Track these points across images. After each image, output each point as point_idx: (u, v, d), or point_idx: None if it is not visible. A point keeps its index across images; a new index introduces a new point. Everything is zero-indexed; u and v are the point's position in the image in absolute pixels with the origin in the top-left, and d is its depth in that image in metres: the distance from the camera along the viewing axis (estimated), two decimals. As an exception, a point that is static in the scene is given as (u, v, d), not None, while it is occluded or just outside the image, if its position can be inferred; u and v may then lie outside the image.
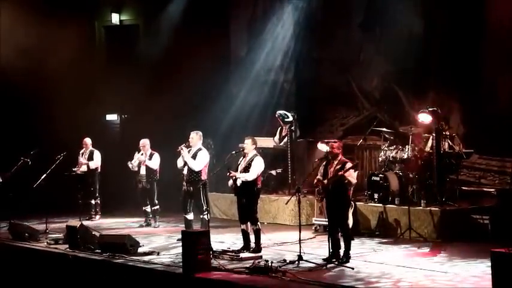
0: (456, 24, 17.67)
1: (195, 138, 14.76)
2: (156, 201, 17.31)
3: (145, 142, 17.32)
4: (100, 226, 17.31)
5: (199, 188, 14.38)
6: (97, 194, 18.75)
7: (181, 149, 14.63)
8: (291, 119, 17.75)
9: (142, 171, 17.23)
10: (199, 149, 14.68)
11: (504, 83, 16.86)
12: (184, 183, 14.65)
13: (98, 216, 18.71)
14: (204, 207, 14.43)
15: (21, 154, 18.12)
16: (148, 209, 17.38)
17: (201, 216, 14.57)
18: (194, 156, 14.55)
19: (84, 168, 18.63)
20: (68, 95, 20.60)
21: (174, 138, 15.16)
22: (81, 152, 18.78)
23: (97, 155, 18.72)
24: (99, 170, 18.76)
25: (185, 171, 14.64)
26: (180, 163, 14.82)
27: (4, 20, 21.08)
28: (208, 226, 13.57)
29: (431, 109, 15.39)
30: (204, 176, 14.50)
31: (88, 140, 18.84)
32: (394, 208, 15.10)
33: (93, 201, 18.68)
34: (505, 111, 16.60)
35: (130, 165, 17.29)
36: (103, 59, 23.11)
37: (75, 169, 18.54)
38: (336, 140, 13.17)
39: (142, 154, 17.23)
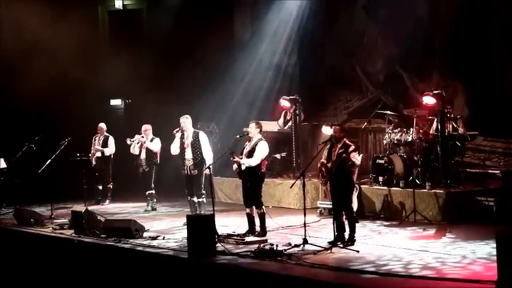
0: (461, 6, 17.60)
1: (187, 122, 14.94)
2: (153, 185, 17.31)
3: (147, 127, 17.34)
4: (105, 211, 17.33)
5: (202, 172, 14.57)
6: (110, 179, 18.80)
7: (177, 131, 14.79)
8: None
9: (143, 154, 17.27)
10: (197, 132, 14.87)
11: (509, 64, 16.79)
12: (186, 167, 14.75)
13: (107, 201, 18.76)
14: (203, 191, 14.60)
15: (26, 140, 18.17)
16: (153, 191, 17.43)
17: (199, 200, 14.72)
18: (197, 141, 14.67)
19: (98, 154, 18.67)
20: (71, 80, 20.59)
21: (178, 123, 15.14)
22: (94, 137, 18.80)
23: (111, 141, 18.77)
24: (112, 156, 18.81)
25: (188, 155, 14.73)
26: (174, 149, 14.95)
27: (7, 5, 21.03)
28: (203, 209, 13.94)
29: (435, 92, 15.35)
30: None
31: (103, 125, 18.88)
32: (398, 191, 15.11)
33: (100, 187, 18.72)
34: (510, 93, 16.56)
35: (128, 142, 17.26)
36: (107, 44, 23.08)
37: (90, 155, 18.58)
38: (338, 123, 13.16)
39: (143, 137, 17.24)
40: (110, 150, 18.73)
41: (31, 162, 17.67)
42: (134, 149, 17.31)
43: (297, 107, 17.73)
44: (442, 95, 15.39)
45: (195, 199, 14.87)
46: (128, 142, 17.29)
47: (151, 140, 17.24)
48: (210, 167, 14.05)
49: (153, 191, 17.37)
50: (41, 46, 19.96)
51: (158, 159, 17.28)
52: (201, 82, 20.69)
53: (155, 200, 17.47)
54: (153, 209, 17.41)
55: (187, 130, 14.91)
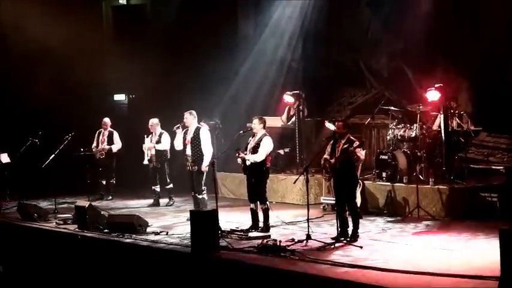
0: (464, 1, 17.57)
1: (190, 118, 14.94)
2: (169, 180, 17.41)
3: (153, 121, 17.34)
4: (109, 206, 17.36)
5: (201, 168, 14.65)
6: (113, 174, 18.80)
7: (178, 127, 14.82)
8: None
9: (153, 151, 17.27)
10: (198, 128, 14.86)
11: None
12: (188, 163, 14.78)
13: (110, 196, 18.74)
14: (203, 187, 14.64)
15: (30, 135, 18.20)
16: (157, 188, 17.49)
17: (200, 196, 14.74)
18: (197, 137, 14.68)
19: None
20: (75, 75, 20.59)
21: (182, 118, 15.16)
22: (98, 132, 18.73)
23: (117, 137, 18.72)
24: (117, 151, 18.82)
25: (188, 151, 14.76)
26: (176, 144, 14.99)
27: (10, 3, 21.02)
28: (206, 205, 14.03)
29: (437, 85, 15.32)
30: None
31: (107, 120, 18.80)
32: (402, 187, 15.10)
33: (104, 182, 18.71)
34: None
35: (146, 162, 17.44)
36: (110, 39, 23.07)
37: (98, 151, 18.53)
38: (342, 119, 13.15)
39: (150, 136, 17.23)
40: (117, 146, 18.70)
41: (35, 157, 17.68)
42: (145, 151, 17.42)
43: (301, 102, 17.71)
44: (445, 89, 15.36)
45: (198, 195, 14.90)
46: (146, 162, 17.32)
47: (160, 135, 17.23)
48: (215, 162, 14.02)
49: (171, 185, 17.46)
50: (44, 42, 19.91)
51: (169, 154, 17.26)
52: (204, 77, 20.67)
53: (172, 195, 17.58)
54: (157, 204, 17.44)
55: (190, 125, 14.92)
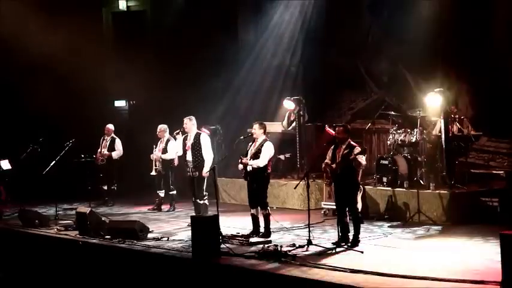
0: (465, 5, 17.59)
1: (189, 124, 14.94)
2: (172, 187, 17.41)
3: (161, 128, 17.37)
4: (110, 212, 17.36)
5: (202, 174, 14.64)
6: (114, 180, 18.80)
7: (177, 133, 14.83)
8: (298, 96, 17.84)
9: (160, 159, 17.27)
10: (199, 134, 14.87)
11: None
12: (189, 169, 14.78)
13: (111, 202, 18.71)
14: (205, 193, 14.64)
15: (31, 142, 18.20)
16: (162, 193, 17.51)
17: (201, 202, 14.74)
18: (197, 143, 14.69)
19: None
20: (76, 81, 20.61)
21: (182, 123, 15.17)
22: (102, 138, 18.73)
23: (119, 144, 18.69)
24: (118, 158, 18.82)
25: (189, 157, 14.76)
26: (176, 150, 14.98)
27: (11, 7, 21.04)
28: (207, 211, 14.03)
29: (437, 90, 15.33)
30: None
31: (111, 127, 18.80)
32: (403, 191, 15.10)
33: (105, 187, 18.70)
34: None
35: (153, 173, 17.40)
36: (111, 45, 23.09)
37: (99, 158, 18.53)
38: (342, 124, 13.15)
39: (159, 142, 17.26)
40: (118, 153, 18.67)
41: (36, 164, 17.68)
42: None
43: (301, 107, 17.71)
44: (446, 93, 15.38)
45: (199, 201, 14.90)
46: (153, 173, 17.33)
47: (167, 143, 17.22)
48: (215, 168, 14.01)
49: (175, 192, 17.48)
50: (45, 49, 19.91)
51: (176, 162, 17.21)
52: (204, 82, 20.69)
53: (174, 202, 17.59)
54: (158, 209, 17.44)
55: (190, 131, 14.92)
